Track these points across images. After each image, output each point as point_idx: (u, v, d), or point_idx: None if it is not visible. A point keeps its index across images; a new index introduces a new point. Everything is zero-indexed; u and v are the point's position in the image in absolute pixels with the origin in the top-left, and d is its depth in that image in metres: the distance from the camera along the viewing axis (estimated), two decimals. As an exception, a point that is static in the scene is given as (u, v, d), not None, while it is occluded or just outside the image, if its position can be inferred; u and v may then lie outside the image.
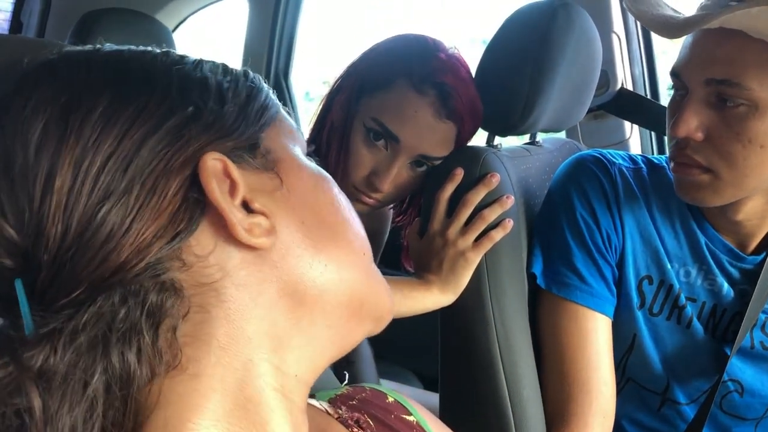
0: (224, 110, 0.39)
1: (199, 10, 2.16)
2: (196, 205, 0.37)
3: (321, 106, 1.08)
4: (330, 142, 1.02)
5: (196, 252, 0.37)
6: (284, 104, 0.46)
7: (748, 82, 0.73)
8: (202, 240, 0.37)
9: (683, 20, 0.74)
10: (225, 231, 0.37)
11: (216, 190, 0.36)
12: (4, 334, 0.34)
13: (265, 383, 0.38)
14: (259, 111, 0.41)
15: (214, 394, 0.36)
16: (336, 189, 0.45)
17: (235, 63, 0.44)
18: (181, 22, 2.17)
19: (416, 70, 0.95)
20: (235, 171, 0.38)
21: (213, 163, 0.37)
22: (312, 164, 0.44)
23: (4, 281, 0.35)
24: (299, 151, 0.44)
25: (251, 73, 0.44)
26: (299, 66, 2.14)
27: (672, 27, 0.75)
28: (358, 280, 0.43)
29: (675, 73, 0.82)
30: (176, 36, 2.08)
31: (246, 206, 0.38)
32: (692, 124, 0.79)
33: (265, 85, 0.44)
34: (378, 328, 0.46)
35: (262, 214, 0.38)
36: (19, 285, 0.34)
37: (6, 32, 2.18)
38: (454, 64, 0.98)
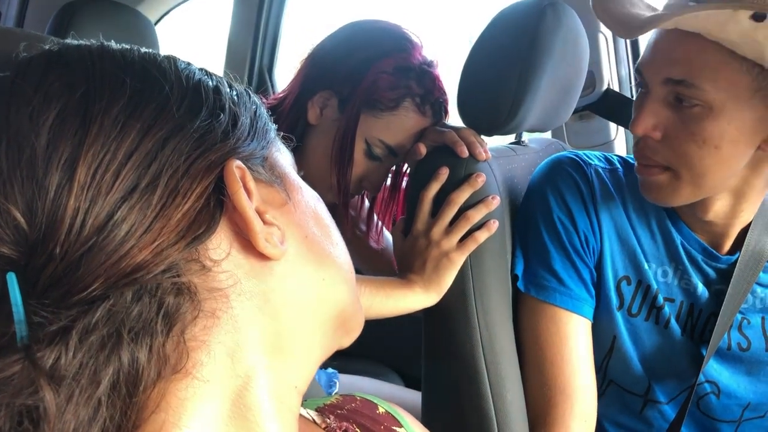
0: (240, 120, 0.40)
1: (182, 2, 2.14)
2: (216, 209, 0.37)
3: (289, 103, 1.07)
4: (315, 146, 1.06)
5: (212, 256, 0.37)
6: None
7: (703, 83, 0.74)
8: (219, 245, 0.37)
9: (640, 21, 0.75)
10: (240, 238, 0.38)
11: (243, 197, 0.37)
12: (5, 332, 0.32)
13: (265, 391, 0.38)
14: (264, 127, 0.43)
15: (214, 399, 0.36)
16: (326, 209, 0.46)
17: (220, 56, 0.44)
18: (164, 15, 2.14)
19: (418, 90, 1.02)
20: (251, 181, 0.38)
21: (236, 170, 0.37)
22: (305, 184, 0.46)
23: None
24: (295, 172, 0.45)
25: (251, 92, 0.44)
26: (284, 61, 2.11)
27: (629, 27, 0.75)
28: (347, 295, 0.44)
29: (638, 71, 0.82)
30: (159, 29, 2.05)
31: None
32: (650, 123, 0.80)
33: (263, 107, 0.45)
34: (347, 342, 0.47)
35: (273, 225, 0.39)
36: (12, 278, 0.32)
37: (-16, 22, 2.14)
38: (439, 75, 1.05)
